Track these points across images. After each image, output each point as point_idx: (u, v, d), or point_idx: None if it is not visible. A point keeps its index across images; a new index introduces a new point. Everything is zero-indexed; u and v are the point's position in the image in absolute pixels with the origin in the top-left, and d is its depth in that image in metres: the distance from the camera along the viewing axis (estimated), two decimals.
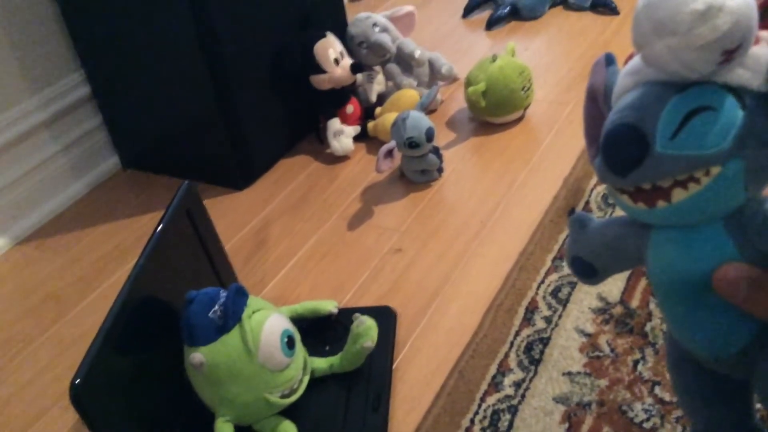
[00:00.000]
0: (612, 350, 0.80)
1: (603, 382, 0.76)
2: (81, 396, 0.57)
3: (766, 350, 0.36)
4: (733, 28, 0.30)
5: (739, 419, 0.43)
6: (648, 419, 0.71)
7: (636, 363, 0.77)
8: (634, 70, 0.36)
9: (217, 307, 0.71)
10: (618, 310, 0.85)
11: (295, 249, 1.10)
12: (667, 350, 0.46)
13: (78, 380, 0.57)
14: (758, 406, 0.46)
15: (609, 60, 0.40)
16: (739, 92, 0.33)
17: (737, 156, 0.32)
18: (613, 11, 1.61)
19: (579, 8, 1.66)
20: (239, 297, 0.72)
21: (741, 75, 0.33)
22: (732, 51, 0.31)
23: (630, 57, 0.39)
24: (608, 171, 0.35)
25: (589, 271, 0.44)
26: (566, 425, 0.72)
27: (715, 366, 0.39)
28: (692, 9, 0.30)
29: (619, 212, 0.39)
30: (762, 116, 0.33)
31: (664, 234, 0.36)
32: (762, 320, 0.35)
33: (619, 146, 0.34)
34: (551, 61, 1.48)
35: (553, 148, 1.21)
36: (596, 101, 0.39)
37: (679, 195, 0.33)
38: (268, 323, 0.72)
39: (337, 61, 1.24)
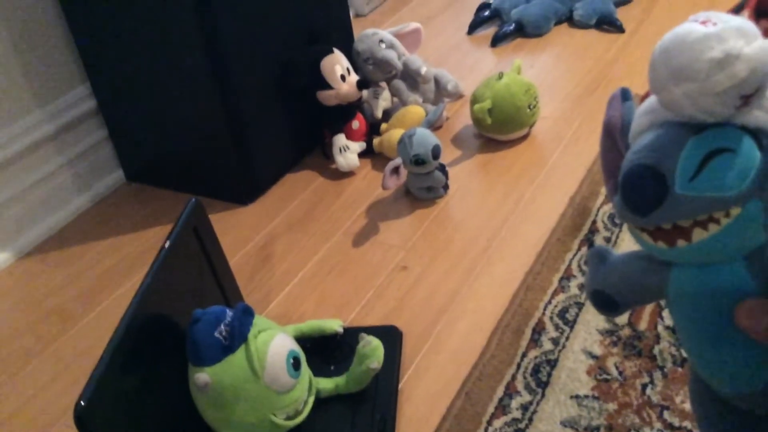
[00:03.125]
0: (620, 373, 0.79)
1: (611, 406, 0.75)
2: (85, 418, 0.56)
3: None
4: (750, 74, 0.30)
5: None
6: None
7: (644, 387, 0.77)
8: (650, 110, 0.36)
9: (222, 326, 0.70)
10: (626, 332, 0.84)
11: (299, 265, 1.09)
12: (689, 384, 0.46)
13: (82, 402, 0.56)
14: None
15: (625, 95, 0.40)
16: (756, 134, 0.33)
17: (757, 197, 0.33)
18: (619, 29, 1.61)
19: (584, 26, 1.66)
20: (246, 316, 0.71)
21: (758, 117, 0.33)
22: (749, 96, 0.31)
23: (646, 95, 0.38)
24: (628, 211, 0.35)
25: (610, 305, 0.44)
26: None
27: (737, 401, 0.38)
28: (710, 57, 0.30)
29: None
30: None
31: (685, 271, 0.36)
32: None
33: (639, 187, 0.34)
34: (557, 78, 1.48)
35: (559, 165, 1.20)
36: (613, 136, 0.39)
37: (699, 235, 0.33)
38: (274, 343, 0.72)
39: (343, 78, 1.24)
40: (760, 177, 0.33)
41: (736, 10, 0.36)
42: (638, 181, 0.35)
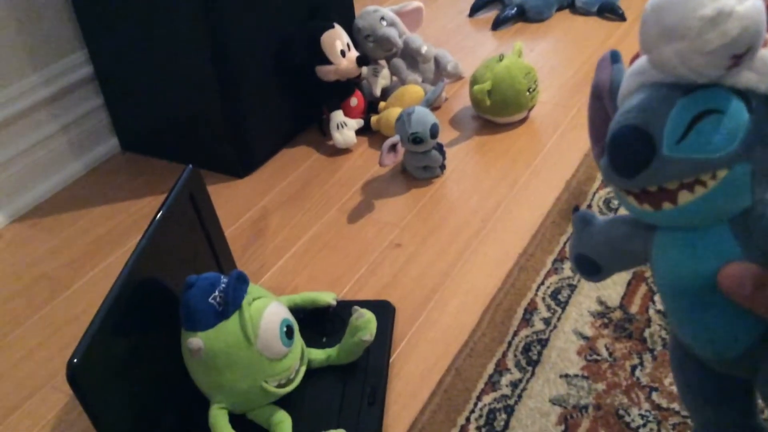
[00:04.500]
0: (610, 354, 0.79)
1: (600, 386, 0.76)
2: (77, 376, 0.56)
3: None
4: (742, 33, 0.30)
5: (741, 419, 0.43)
6: (644, 425, 0.71)
7: (634, 368, 0.77)
8: (640, 71, 0.36)
9: (217, 292, 0.70)
10: (617, 314, 0.84)
11: (293, 240, 1.09)
12: (670, 349, 0.46)
13: (75, 359, 0.56)
14: (762, 405, 0.46)
15: (614, 57, 0.39)
16: (746, 95, 0.33)
17: (744, 159, 0.32)
18: (621, 17, 1.60)
19: (586, 12, 1.65)
20: (240, 284, 0.71)
21: (749, 78, 0.33)
22: (740, 55, 0.31)
23: (636, 57, 0.38)
24: (614, 172, 0.35)
25: (592, 269, 0.43)
26: (562, 427, 0.72)
27: (718, 366, 0.39)
28: (701, 14, 0.30)
29: (622, 212, 0.39)
30: None
31: (669, 234, 0.36)
32: (766, 320, 0.34)
33: (626, 148, 0.34)
34: (557, 64, 1.48)
35: (556, 150, 1.20)
36: (601, 99, 0.39)
37: (685, 197, 0.33)
38: (268, 311, 0.72)
39: (343, 53, 1.24)
40: (748, 139, 0.32)
41: None
42: (625, 142, 0.34)
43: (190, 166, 0.80)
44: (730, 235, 0.34)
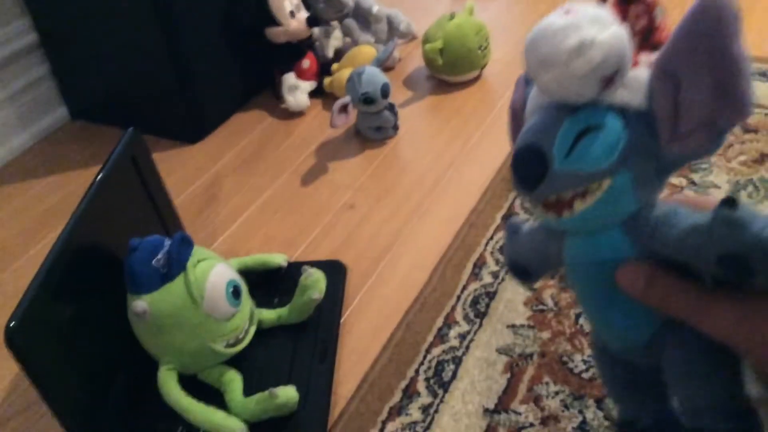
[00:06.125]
0: (555, 304, 0.81)
1: (545, 335, 0.78)
2: (16, 339, 0.56)
3: (669, 341, 0.39)
4: (605, 58, 0.34)
5: (657, 406, 0.47)
6: (587, 370, 0.73)
7: (578, 316, 0.79)
8: (536, 94, 0.40)
9: (161, 255, 0.70)
10: None
11: (246, 204, 1.09)
12: (591, 342, 0.49)
13: (13, 323, 0.56)
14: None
15: (527, 80, 0.43)
16: (623, 111, 0.36)
17: (624, 169, 0.36)
18: None
19: None
20: (184, 245, 0.71)
21: (623, 95, 0.36)
22: (610, 77, 0.35)
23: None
24: (518, 186, 0.39)
25: (525, 274, 0.48)
26: (508, 375, 0.74)
27: (628, 357, 0.43)
28: (567, 45, 0.34)
29: None
30: (643, 131, 0.36)
31: (575, 239, 0.40)
32: (661, 313, 0.38)
33: (524, 165, 0.38)
34: (510, 22, 1.48)
35: (507, 109, 1.21)
36: (518, 119, 0.43)
37: (580, 205, 0.37)
38: (214, 272, 0.72)
39: (292, 14, 1.22)
40: (626, 150, 0.36)
41: None
42: (522, 160, 0.38)
43: (131, 128, 0.79)
44: (624, 237, 0.38)
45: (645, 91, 0.36)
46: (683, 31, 0.34)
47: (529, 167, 0.38)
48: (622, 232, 0.38)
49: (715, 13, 0.32)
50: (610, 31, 0.34)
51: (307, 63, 1.28)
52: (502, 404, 0.71)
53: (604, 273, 0.39)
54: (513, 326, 0.79)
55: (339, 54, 1.35)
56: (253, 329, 0.77)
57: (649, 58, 0.37)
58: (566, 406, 0.70)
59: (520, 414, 0.70)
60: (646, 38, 0.38)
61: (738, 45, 0.33)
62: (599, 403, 0.69)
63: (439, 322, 0.82)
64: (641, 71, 0.36)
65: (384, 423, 0.72)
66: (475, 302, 0.83)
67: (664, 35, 0.38)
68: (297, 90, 1.25)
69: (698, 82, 0.34)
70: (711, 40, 0.33)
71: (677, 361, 0.39)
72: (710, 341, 0.36)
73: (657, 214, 0.37)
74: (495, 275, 0.87)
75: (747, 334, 0.34)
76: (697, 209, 0.36)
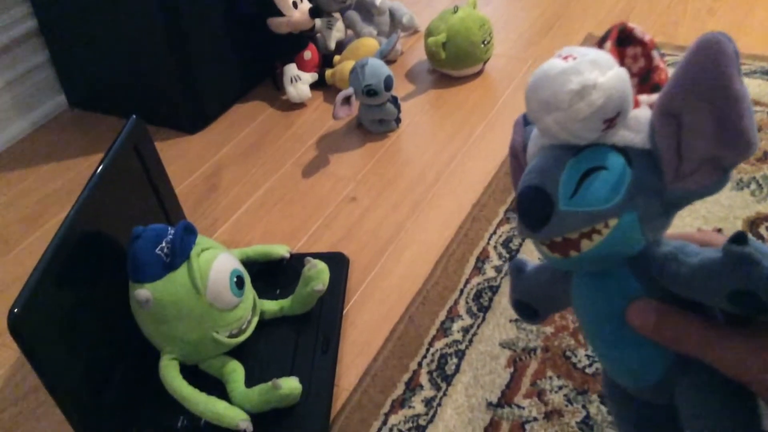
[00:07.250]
0: None
1: (548, 329, 0.78)
2: (19, 325, 0.55)
3: (681, 378, 0.39)
4: (607, 101, 0.34)
5: None
6: (590, 365, 0.73)
7: None
8: (538, 135, 0.40)
9: (164, 243, 0.69)
10: None
11: (247, 195, 1.08)
12: (602, 380, 0.49)
13: (16, 309, 0.55)
14: None
15: (526, 120, 0.43)
16: (626, 151, 0.37)
17: (630, 208, 0.36)
18: None
19: None
20: (188, 234, 0.70)
21: (625, 136, 0.36)
22: (612, 119, 0.35)
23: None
24: (523, 227, 0.39)
25: (530, 313, 0.47)
26: (511, 369, 0.74)
27: (639, 395, 0.42)
28: (569, 89, 0.34)
29: None
30: (647, 171, 0.36)
31: (582, 278, 0.40)
32: (673, 350, 0.38)
33: (529, 206, 0.38)
34: (512, 17, 1.47)
35: (510, 103, 1.21)
36: (518, 159, 0.43)
37: (586, 245, 0.37)
38: (217, 262, 0.71)
39: (295, 5, 1.21)
40: (631, 189, 0.36)
41: (601, 42, 0.39)
42: (527, 201, 0.38)
43: (134, 116, 0.78)
44: (631, 275, 0.38)
45: (647, 131, 0.36)
46: (683, 70, 0.34)
47: (534, 208, 0.38)
48: (629, 270, 0.38)
49: (715, 52, 0.32)
50: (611, 73, 0.34)
51: (308, 54, 1.27)
52: (506, 398, 0.71)
53: (612, 313, 0.38)
54: (516, 321, 0.79)
55: (341, 46, 1.34)
56: (255, 320, 0.76)
57: (649, 99, 0.37)
58: (570, 401, 0.70)
59: (523, 408, 0.70)
60: (644, 79, 0.39)
61: (738, 82, 0.33)
62: (603, 398, 0.69)
63: (442, 315, 0.82)
64: (642, 111, 0.37)
65: (387, 415, 0.71)
66: (478, 296, 0.83)
67: (663, 76, 0.38)
68: (298, 81, 1.24)
69: (700, 120, 0.34)
70: (711, 79, 0.33)
71: (690, 399, 0.38)
72: (724, 377, 0.36)
73: (665, 252, 0.37)
74: (498, 269, 0.86)
75: (760, 369, 0.34)
76: (704, 245, 0.36)
